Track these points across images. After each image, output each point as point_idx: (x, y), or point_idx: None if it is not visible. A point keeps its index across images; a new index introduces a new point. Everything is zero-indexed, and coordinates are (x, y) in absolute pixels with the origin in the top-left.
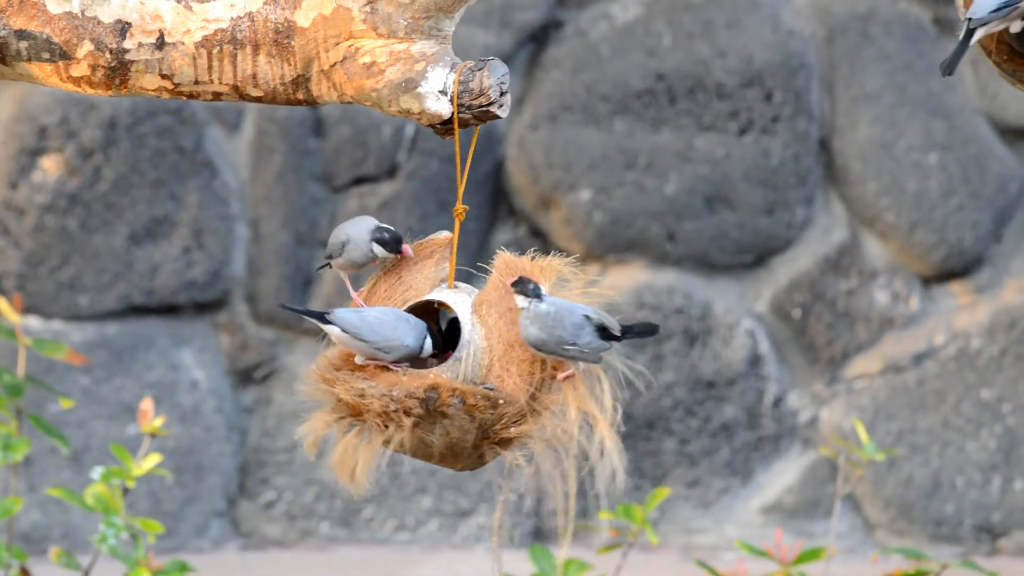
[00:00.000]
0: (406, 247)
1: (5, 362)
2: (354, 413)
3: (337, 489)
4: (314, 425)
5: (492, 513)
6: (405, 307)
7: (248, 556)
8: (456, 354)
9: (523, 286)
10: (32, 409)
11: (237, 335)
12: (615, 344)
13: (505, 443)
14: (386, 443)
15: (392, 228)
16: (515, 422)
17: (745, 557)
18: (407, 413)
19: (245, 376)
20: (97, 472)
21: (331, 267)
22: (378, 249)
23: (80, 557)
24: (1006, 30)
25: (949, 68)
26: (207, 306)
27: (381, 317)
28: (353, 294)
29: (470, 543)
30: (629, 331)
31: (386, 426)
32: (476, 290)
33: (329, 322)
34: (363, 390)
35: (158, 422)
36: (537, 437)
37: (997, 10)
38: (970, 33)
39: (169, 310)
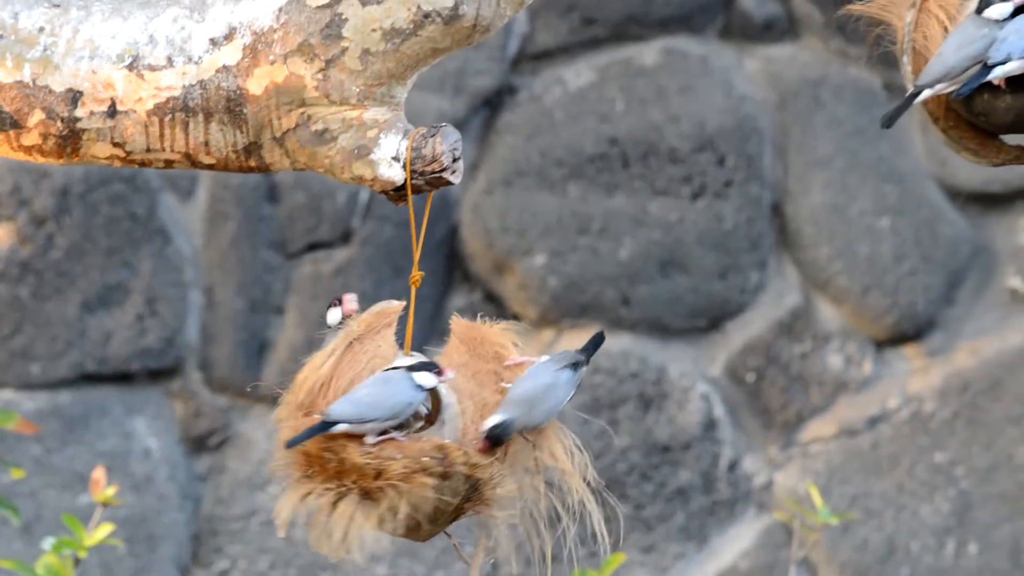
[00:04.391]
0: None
1: None
2: (337, 480)
3: (291, 557)
4: (291, 500)
5: None
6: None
7: None
8: (440, 416)
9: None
10: None
11: (191, 402)
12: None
13: (482, 505)
14: (392, 509)
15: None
16: (498, 482)
17: None
18: (427, 474)
19: (199, 444)
20: (48, 542)
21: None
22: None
23: None
24: (953, 97)
25: (889, 121)
26: (160, 374)
27: (371, 390)
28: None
29: None
30: (588, 348)
31: (393, 491)
32: (433, 357)
33: (333, 423)
34: (375, 454)
35: (110, 491)
36: (513, 496)
37: (944, 79)
38: (916, 95)
39: (122, 378)
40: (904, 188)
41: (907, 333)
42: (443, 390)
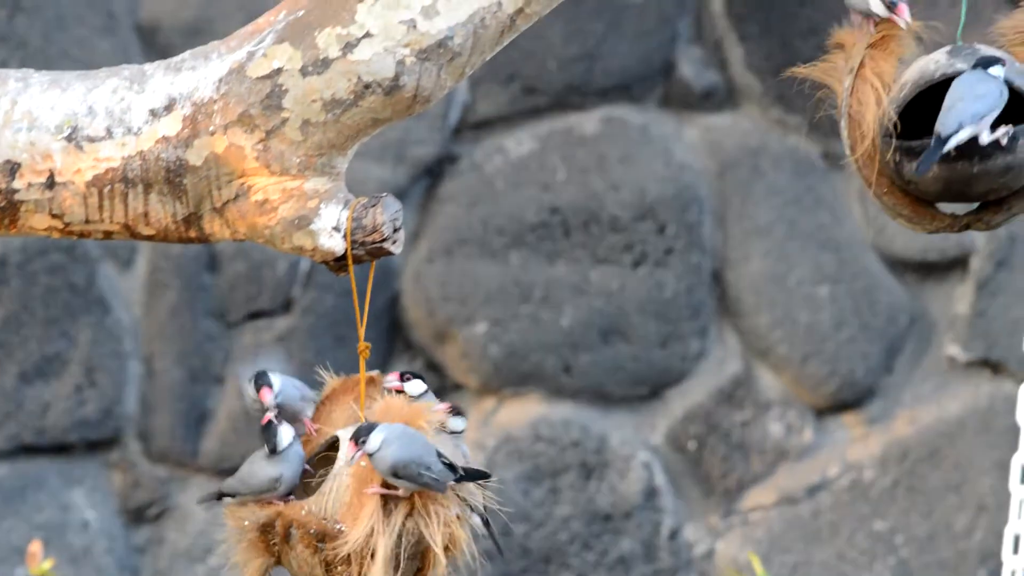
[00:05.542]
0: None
1: None
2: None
3: None
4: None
5: None
6: (322, 443)
7: None
8: (322, 488)
9: (357, 433)
10: None
11: (129, 473)
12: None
13: None
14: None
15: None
16: (348, 562)
17: None
18: (247, 535)
19: (137, 515)
20: None
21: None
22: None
23: None
24: (888, 164)
25: (924, 167)
26: (99, 445)
27: (243, 467)
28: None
29: None
30: (465, 474)
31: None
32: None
33: (223, 495)
34: (240, 514)
35: (47, 564)
36: None
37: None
38: (942, 143)
39: (60, 449)
40: (842, 257)
41: (847, 401)
42: (339, 463)
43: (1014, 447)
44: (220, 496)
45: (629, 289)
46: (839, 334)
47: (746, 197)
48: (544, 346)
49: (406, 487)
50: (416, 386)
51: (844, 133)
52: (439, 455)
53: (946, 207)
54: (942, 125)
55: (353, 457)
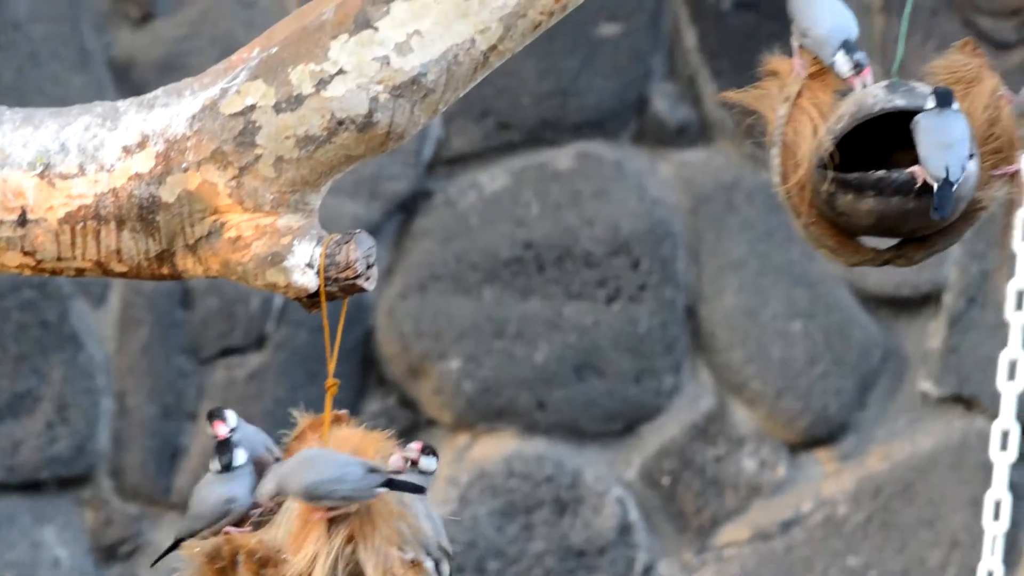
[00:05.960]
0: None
1: None
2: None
3: None
4: None
5: None
6: None
7: None
8: (276, 519)
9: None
10: None
11: (101, 511)
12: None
13: None
14: None
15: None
16: None
17: None
18: (199, 560)
19: (109, 553)
20: None
21: None
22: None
23: None
24: (820, 194)
25: (944, 211)
26: (71, 482)
27: (192, 500)
28: None
29: None
30: (396, 483)
31: None
32: None
33: (179, 542)
34: (192, 546)
35: None
36: None
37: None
38: (951, 185)
39: (31, 487)
40: (815, 292)
41: (820, 436)
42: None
43: (987, 483)
44: (176, 545)
45: (603, 325)
46: (812, 369)
47: (719, 232)
48: (518, 382)
49: (336, 506)
50: (430, 463)
51: (775, 161)
52: (364, 463)
53: (869, 241)
54: (947, 169)
55: (258, 511)
